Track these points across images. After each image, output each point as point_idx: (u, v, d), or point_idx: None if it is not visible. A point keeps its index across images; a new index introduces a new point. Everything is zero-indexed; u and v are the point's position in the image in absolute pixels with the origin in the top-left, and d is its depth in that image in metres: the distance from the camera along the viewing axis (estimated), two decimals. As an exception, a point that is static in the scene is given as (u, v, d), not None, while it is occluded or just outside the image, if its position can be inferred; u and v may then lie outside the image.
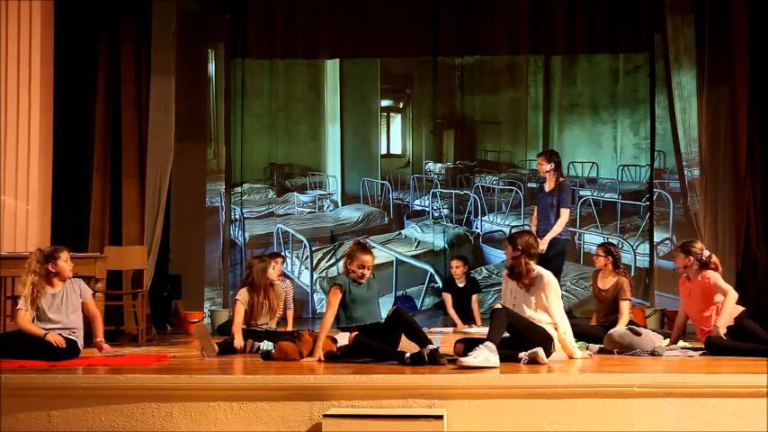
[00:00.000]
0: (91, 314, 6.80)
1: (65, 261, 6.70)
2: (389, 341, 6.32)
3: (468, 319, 9.38)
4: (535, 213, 8.48)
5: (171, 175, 9.30)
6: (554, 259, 8.07)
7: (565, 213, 8.18)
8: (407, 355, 6.00)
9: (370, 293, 6.60)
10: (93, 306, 6.87)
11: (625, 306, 7.59)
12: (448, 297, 9.48)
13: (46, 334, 6.45)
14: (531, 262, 6.38)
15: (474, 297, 9.46)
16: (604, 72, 11.06)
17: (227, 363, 6.48)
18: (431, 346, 6.02)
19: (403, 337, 6.40)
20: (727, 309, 6.77)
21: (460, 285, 9.48)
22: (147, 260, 8.85)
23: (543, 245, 7.99)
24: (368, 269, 6.49)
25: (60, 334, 6.57)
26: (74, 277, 6.83)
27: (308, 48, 11.18)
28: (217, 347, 6.89)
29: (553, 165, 8.27)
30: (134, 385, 5.55)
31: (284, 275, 9.00)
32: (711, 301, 6.88)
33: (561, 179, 8.32)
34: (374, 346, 6.24)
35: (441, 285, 10.69)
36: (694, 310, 7.03)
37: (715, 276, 6.88)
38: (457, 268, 9.48)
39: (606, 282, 7.76)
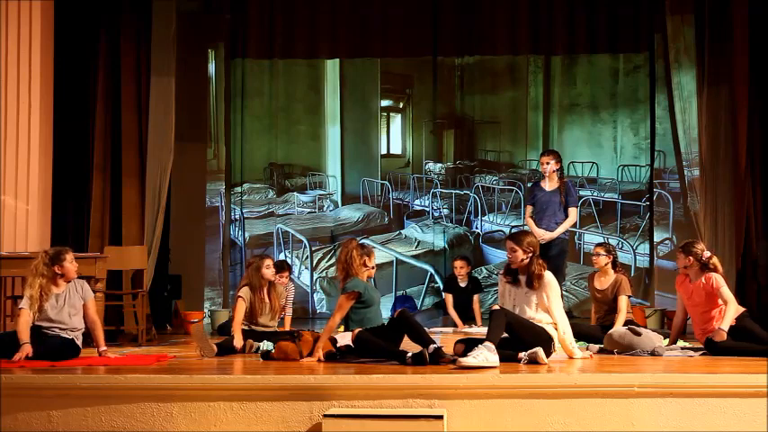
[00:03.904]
0: (90, 319, 6.74)
1: (70, 262, 6.69)
2: (392, 342, 6.34)
3: (469, 318, 9.38)
4: (529, 212, 8.49)
5: (171, 175, 9.30)
6: (554, 259, 8.10)
7: (574, 212, 8.40)
8: (409, 354, 6.01)
9: (378, 295, 6.70)
10: (94, 310, 6.80)
11: (623, 302, 7.59)
12: (449, 297, 9.47)
13: (24, 343, 6.38)
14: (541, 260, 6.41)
15: (476, 297, 9.47)
16: (604, 72, 11.05)
17: (227, 363, 6.49)
18: (433, 346, 6.03)
19: (405, 338, 6.41)
20: (729, 316, 6.78)
21: (462, 285, 9.49)
22: (147, 260, 8.85)
23: (553, 234, 8.12)
24: None
25: (59, 334, 6.58)
26: (77, 278, 6.81)
27: (308, 48, 11.17)
28: (215, 347, 6.88)
29: (559, 164, 8.38)
30: (134, 385, 5.56)
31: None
32: (715, 303, 6.88)
33: (565, 179, 8.43)
34: (377, 343, 6.27)
35: (441, 285, 10.69)
36: (696, 312, 7.02)
37: (719, 281, 6.88)
38: (461, 269, 9.48)
39: (604, 282, 7.76)
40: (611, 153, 11.06)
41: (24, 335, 6.44)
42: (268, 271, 7.38)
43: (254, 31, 11.13)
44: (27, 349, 6.35)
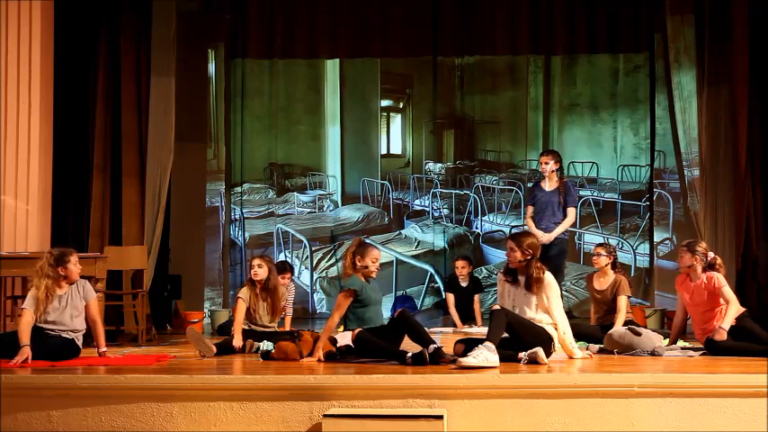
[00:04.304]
0: (91, 319, 6.73)
1: (74, 264, 6.67)
2: (392, 342, 6.34)
3: (469, 318, 9.38)
4: (530, 213, 8.48)
5: (171, 175, 9.29)
6: (554, 259, 8.10)
7: (573, 212, 8.36)
8: (409, 354, 6.01)
9: (378, 295, 6.67)
10: (96, 310, 6.78)
11: (623, 302, 7.58)
12: (450, 297, 9.47)
13: (24, 345, 6.34)
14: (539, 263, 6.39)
15: (476, 297, 9.47)
16: (604, 72, 11.05)
17: (227, 363, 6.49)
18: (433, 346, 6.03)
19: (406, 338, 6.41)
20: (730, 316, 6.79)
21: (464, 285, 9.49)
22: (147, 260, 8.85)
23: (551, 236, 8.09)
24: (378, 263, 6.57)
25: (60, 335, 6.57)
26: (81, 278, 6.80)
27: (308, 48, 11.16)
28: (214, 347, 6.89)
29: (559, 164, 8.37)
30: (134, 385, 5.56)
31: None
32: (717, 303, 6.89)
33: (564, 179, 8.42)
34: (377, 343, 6.27)
35: (441, 285, 10.69)
36: (696, 311, 7.02)
37: (722, 281, 6.89)
38: (463, 269, 9.49)
39: (603, 282, 7.75)
40: (611, 153, 11.06)
41: (25, 337, 6.41)
42: (252, 270, 7.40)
43: (254, 31, 11.13)
44: (26, 352, 6.31)
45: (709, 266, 7.00)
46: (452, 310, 9.42)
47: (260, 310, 7.34)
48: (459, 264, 9.56)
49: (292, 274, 8.94)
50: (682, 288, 7.12)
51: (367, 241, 6.99)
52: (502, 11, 10.91)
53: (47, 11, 8.78)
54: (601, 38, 10.87)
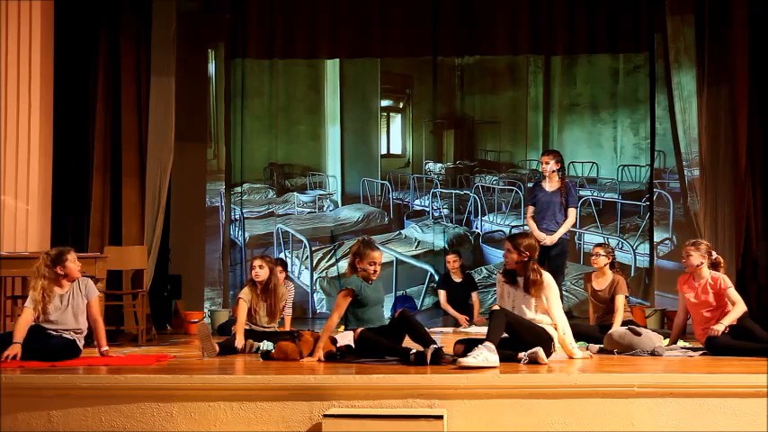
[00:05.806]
0: (92, 318, 6.71)
1: (72, 262, 6.65)
2: (394, 342, 6.34)
3: (465, 314, 9.38)
4: (531, 213, 8.47)
5: (171, 175, 9.30)
6: (555, 259, 8.10)
7: (573, 213, 8.37)
8: (413, 351, 6.00)
9: (379, 296, 6.67)
10: (97, 309, 6.76)
11: (620, 301, 7.58)
12: (442, 293, 9.51)
13: (16, 342, 6.32)
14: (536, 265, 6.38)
15: (474, 295, 9.48)
16: (604, 72, 11.05)
17: (227, 363, 6.49)
18: (434, 346, 6.02)
19: (406, 338, 6.41)
20: (733, 315, 6.80)
21: (457, 281, 9.52)
22: (147, 260, 8.86)
23: (553, 238, 8.08)
24: (378, 265, 6.56)
25: (62, 335, 6.57)
26: (82, 276, 6.78)
27: (308, 48, 11.17)
28: (217, 348, 6.89)
29: (560, 164, 8.36)
30: (134, 385, 5.56)
31: (288, 278, 8.97)
32: (722, 303, 6.89)
33: (565, 179, 8.41)
34: (380, 341, 6.27)
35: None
36: (699, 311, 7.00)
37: (728, 282, 6.91)
38: (454, 262, 9.56)
39: (601, 282, 7.75)
40: (611, 153, 11.06)
41: (19, 334, 6.40)
42: (252, 271, 7.42)
43: (254, 31, 11.13)
44: (16, 349, 6.30)
45: (713, 266, 7.01)
46: (445, 306, 9.46)
47: (260, 311, 7.35)
48: (450, 258, 9.66)
49: (285, 269, 8.92)
50: (685, 288, 7.10)
51: (372, 240, 6.97)
52: (502, 11, 10.92)
53: (47, 11, 8.78)
54: (601, 38, 10.87)
